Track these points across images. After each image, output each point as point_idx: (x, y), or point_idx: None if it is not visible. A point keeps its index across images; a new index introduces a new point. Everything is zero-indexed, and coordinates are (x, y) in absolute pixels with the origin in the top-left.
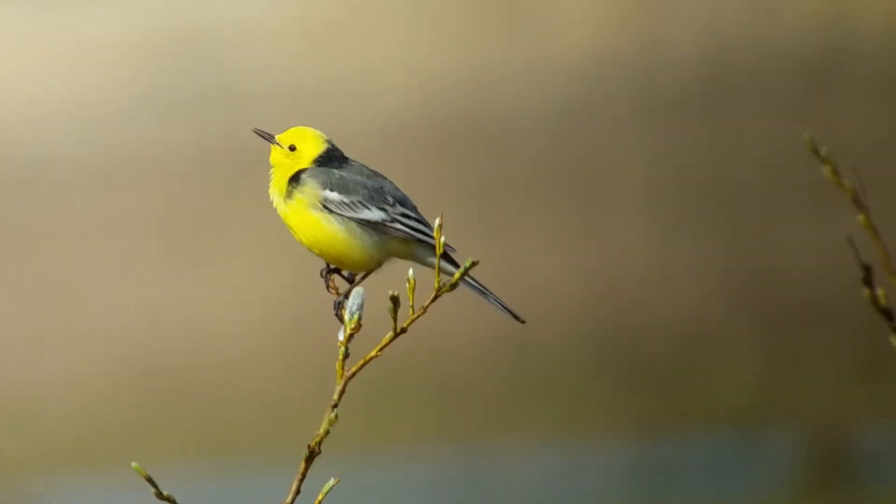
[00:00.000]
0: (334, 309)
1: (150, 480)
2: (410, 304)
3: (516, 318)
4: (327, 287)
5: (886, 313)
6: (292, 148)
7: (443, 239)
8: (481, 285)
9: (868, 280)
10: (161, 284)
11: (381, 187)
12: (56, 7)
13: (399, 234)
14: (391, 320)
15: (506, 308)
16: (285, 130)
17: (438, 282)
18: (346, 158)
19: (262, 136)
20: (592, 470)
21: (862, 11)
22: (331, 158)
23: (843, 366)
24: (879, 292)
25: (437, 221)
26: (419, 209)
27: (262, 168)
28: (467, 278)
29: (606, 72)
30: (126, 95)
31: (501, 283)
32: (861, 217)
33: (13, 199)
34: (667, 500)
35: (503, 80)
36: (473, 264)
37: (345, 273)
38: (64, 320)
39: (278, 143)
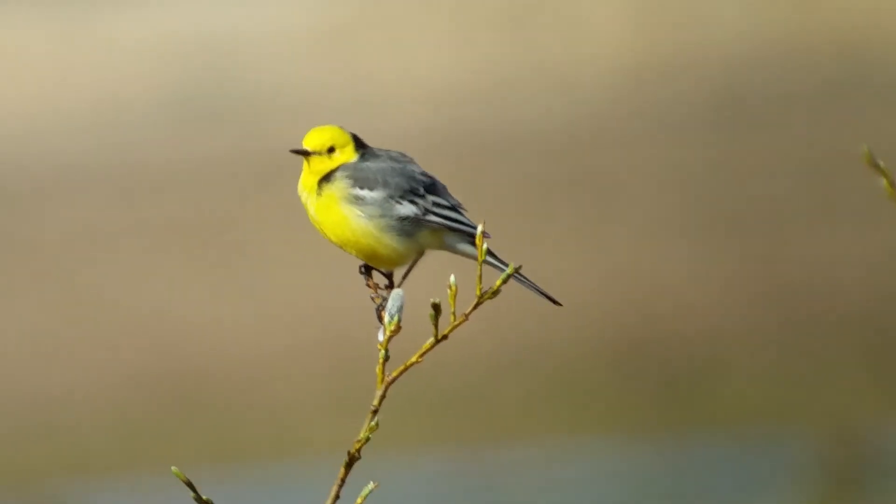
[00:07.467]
0: (376, 313)
1: (189, 485)
2: (452, 310)
3: (553, 301)
4: (367, 285)
5: None
6: (331, 150)
7: (485, 246)
8: (518, 273)
9: None
10: (180, 291)
11: (413, 176)
12: (80, 14)
13: (434, 225)
14: (432, 326)
15: (542, 292)
16: (306, 137)
17: (480, 289)
18: (371, 148)
19: (299, 153)
20: (607, 474)
21: (883, 23)
22: (363, 149)
23: (859, 372)
24: None
25: (479, 228)
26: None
27: (284, 176)
28: (506, 270)
29: (630, 82)
30: (148, 103)
31: (516, 289)
32: None
33: (35, 206)
34: None
35: (520, 91)
36: (517, 269)
37: (382, 271)
38: (86, 328)
39: (315, 153)
